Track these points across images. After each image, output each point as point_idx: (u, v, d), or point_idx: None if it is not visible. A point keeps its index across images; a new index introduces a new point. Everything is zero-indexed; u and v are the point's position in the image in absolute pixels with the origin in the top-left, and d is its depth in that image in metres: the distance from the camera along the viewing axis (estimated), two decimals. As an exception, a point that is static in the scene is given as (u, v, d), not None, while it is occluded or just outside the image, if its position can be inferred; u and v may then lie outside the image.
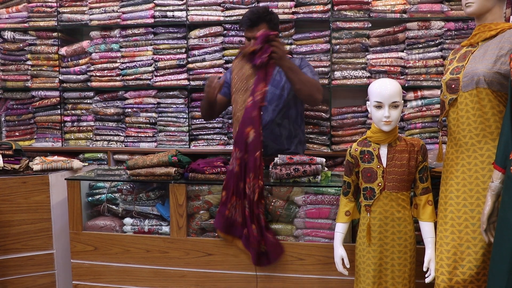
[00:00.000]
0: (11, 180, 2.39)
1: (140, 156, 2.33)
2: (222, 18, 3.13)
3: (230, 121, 3.16)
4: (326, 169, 2.22)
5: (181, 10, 3.17)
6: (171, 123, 3.28)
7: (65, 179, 2.32)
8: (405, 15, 2.98)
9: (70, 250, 2.29)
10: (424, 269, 1.72)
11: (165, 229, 2.22)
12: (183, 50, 3.21)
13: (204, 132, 3.25)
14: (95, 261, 2.26)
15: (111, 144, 3.36)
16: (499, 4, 1.65)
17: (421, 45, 3.00)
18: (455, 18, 2.95)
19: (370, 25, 3.00)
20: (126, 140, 3.34)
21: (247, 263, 2.10)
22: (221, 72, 3.12)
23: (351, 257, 1.87)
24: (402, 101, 1.76)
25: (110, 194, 2.35)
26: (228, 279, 2.13)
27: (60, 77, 3.36)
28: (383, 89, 1.71)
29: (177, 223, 2.16)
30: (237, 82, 2.34)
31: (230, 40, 3.14)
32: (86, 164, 3.14)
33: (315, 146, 3.11)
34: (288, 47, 3.06)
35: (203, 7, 3.15)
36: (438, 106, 2.98)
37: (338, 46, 3.03)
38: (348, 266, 1.85)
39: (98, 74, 3.31)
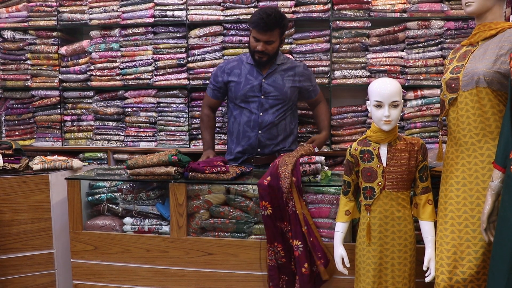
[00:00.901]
0: (11, 180, 2.39)
1: (140, 156, 2.33)
2: (222, 18, 3.12)
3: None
4: (326, 168, 2.22)
5: (181, 9, 3.17)
6: (171, 122, 3.28)
7: (65, 178, 2.32)
8: (405, 15, 2.98)
9: (70, 250, 2.29)
10: (424, 269, 1.73)
11: (165, 228, 2.22)
12: (183, 50, 3.20)
13: (204, 132, 3.25)
14: (95, 261, 2.26)
15: (111, 143, 3.35)
16: (499, 3, 1.65)
17: (421, 45, 3.00)
18: (455, 17, 2.95)
19: (370, 24, 3.00)
20: (126, 140, 3.34)
21: (247, 262, 2.10)
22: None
23: (351, 257, 1.87)
24: (402, 100, 1.76)
25: (110, 194, 2.35)
26: (228, 279, 2.13)
27: (60, 77, 3.36)
28: (383, 88, 1.71)
29: (177, 223, 2.16)
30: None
31: (230, 40, 3.13)
32: (86, 163, 3.14)
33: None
34: (288, 47, 3.06)
35: (203, 7, 3.14)
36: (438, 105, 2.97)
37: (338, 46, 3.03)
38: (348, 265, 1.85)
39: (98, 73, 3.30)
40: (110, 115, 3.34)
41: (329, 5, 3.01)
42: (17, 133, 3.46)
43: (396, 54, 3.00)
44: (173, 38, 3.22)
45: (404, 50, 3.02)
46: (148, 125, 3.31)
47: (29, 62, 3.38)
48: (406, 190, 1.77)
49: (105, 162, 3.31)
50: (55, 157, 2.72)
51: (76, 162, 2.62)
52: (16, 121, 3.46)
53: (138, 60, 3.25)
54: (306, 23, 3.11)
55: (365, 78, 3.03)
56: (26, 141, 3.44)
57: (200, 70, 3.18)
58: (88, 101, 3.39)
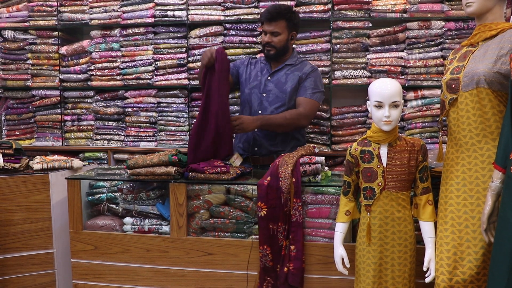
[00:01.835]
0: (11, 179, 2.39)
1: (140, 156, 2.32)
2: (222, 18, 3.12)
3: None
4: (326, 168, 2.22)
5: (181, 9, 3.17)
6: (171, 122, 3.28)
7: (65, 178, 2.32)
8: (405, 15, 2.98)
9: (70, 249, 2.29)
10: (424, 269, 1.72)
11: (165, 228, 2.22)
12: (183, 50, 3.20)
13: (204, 132, 3.25)
14: (95, 261, 2.26)
15: (111, 143, 3.36)
16: (499, 4, 1.65)
17: (421, 45, 3.00)
18: (456, 18, 2.95)
19: (371, 24, 3.00)
20: (126, 140, 3.34)
21: (247, 262, 2.10)
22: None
23: (351, 257, 1.87)
24: (402, 100, 1.76)
25: (110, 194, 2.35)
26: (228, 279, 2.13)
27: (60, 76, 3.36)
28: (384, 88, 1.71)
29: (177, 223, 2.16)
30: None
31: (230, 40, 3.14)
32: (86, 163, 3.14)
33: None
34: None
35: (203, 7, 3.15)
36: (438, 106, 2.98)
37: (338, 46, 3.03)
38: (348, 265, 1.85)
39: (98, 73, 3.31)
40: (111, 115, 3.34)
41: (329, 6, 3.01)
42: (18, 133, 3.46)
43: (397, 55, 3.01)
44: (174, 38, 3.22)
45: (405, 51, 3.03)
46: (148, 125, 3.31)
47: (29, 61, 3.38)
48: (406, 190, 1.77)
49: (105, 162, 3.31)
50: (55, 156, 2.72)
51: (76, 162, 2.62)
52: (17, 121, 3.47)
53: (139, 60, 3.25)
54: (306, 23, 3.11)
55: (366, 79, 3.03)
56: (27, 140, 3.44)
57: (200, 70, 3.19)
58: (88, 101, 3.40)
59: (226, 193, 2.20)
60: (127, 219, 2.28)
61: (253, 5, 3.09)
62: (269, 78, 2.52)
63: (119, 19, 3.25)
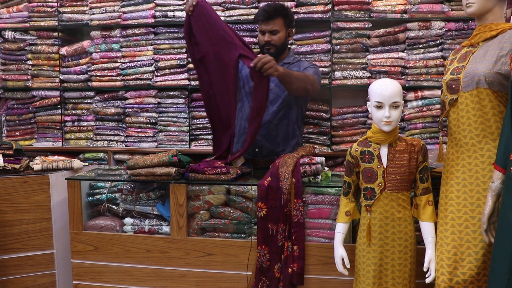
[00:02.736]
0: (12, 180, 2.39)
1: (140, 156, 2.32)
2: (222, 18, 3.12)
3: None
4: (326, 169, 2.22)
5: (181, 10, 3.17)
6: (172, 123, 3.28)
7: (65, 179, 2.32)
8: (405, 15, 2.98)
9: (71, 250, 2.29)
10: (425, 269, 1.72)
11: (166, 229, 2.22)
12: (184, 50, 3.20)
13: (205, 132, 3.25)
14: (96, 261, 2.26)
15: (111, 144, 3.36)
16: (499, 4, 1.65)
17: (421, 45, 3.00)
18: (456, 18, 2.95)
19: (371, 25, 3.00)
20: (126, 140, 3.34)
21: (247, 263, 2.09)
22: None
23: (351, 257, 1.87)
24: (403, 101, 1.76)
25: (110, 194, 2.35)
26: (228, 279, 2.13)
27: (60, 77, 3.36)
28: (384, 89, 1.71)
29: (177, 223, 2.16)
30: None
31: (230, 40, 3.13)
32: (87, 164, 3.14)
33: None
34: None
35: (203, 7, 3.14)
36: (438, 106, 2.97)
37: (338, 46, 3.03)
38: (348, 266, 1.85)
39: (98, 74, 3.31)
40: (111, 116, 3.34)
41: (329, 6, 3.01)
42: (18, 134, 3.46)
43: (397, 55, 3.00)
44: (174, 39, 3.22)
45: (405, 51, 3.02)
46: (149, 125, 3.31)
47: (29, 62, 3.39)
48: (406, 191, 1.77)
49: (106, 162, 3.31)
50: (56, 157, 2.72)
51: (76, 163, 2.62)
52: (17, 122, 3.47)
53: (139, 61, 3.25)
54: (306, 24, 3.11)
55: (366, 79, 3.03)
56: (27, 141, 3.44)
57: (200, 70, 3.18)
58: (88, 101, 3.40)
59: (227, 194, 2.20)
60: (127, 220, 2.28)
61: (253, 5, 3.09)
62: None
63: (119, 20, 3.25)
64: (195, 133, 3.26)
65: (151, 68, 3.23)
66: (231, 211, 2.16)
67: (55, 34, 3.34)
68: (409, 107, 3.03)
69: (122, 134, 3.35)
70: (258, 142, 2.48)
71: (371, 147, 1.79)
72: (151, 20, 3.20)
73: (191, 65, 3.19)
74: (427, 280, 1.71)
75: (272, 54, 2.43)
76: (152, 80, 3.24)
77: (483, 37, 1.66)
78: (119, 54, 3.27)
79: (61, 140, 3.42)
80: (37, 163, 2.51)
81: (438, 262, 1.67)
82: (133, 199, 2.28)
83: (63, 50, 3.33)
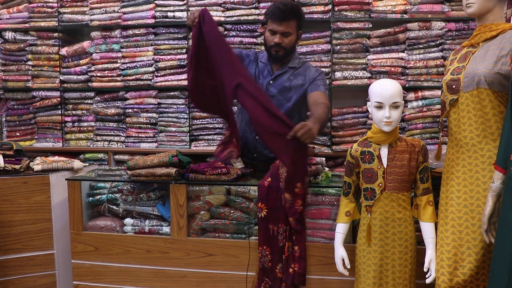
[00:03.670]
0: (12, 180, 2.39)
1: (140, 157, 2.32)
2: (223, 19, 3.13)
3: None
4: (326, 169, 2.22)
5: (181, 10, 3.18)
6: (172, 123, 3.28)
7: (65, 179, 2.32)
8: (405, 16, 2.98)
9: (71, 251, 2.29)
10: (425, 270, 1.72)
11: (166, 229, 2.22)
12: (184, 51, 3.21)
13: (205, 133, 3.25)
14: (96, 262, 2.26)
15: (111, 144, 3.36)
16: (499, 4, 1.65)
17: (421, 46, 3.00)
18: (456, 18, 2.95)
19: (371, 25, 3.00)
20: (126, 141, 3.34)
21: (247, 263, 2.09)
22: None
23: (352, 258, 1.87)
24: (403, 101, 1.76)
25: (110, 195, 2.35)
26: (228, 280, 2.13)
27: (60, 78, 3.37)
28: (384, 89, 1.71)
29: (177, 224, 2.16)
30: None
31: (231, 41, 3.13)
32: (87, 164, 3.14)
33: (315, 146, 3.11)
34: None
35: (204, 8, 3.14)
36: (438, 106, 2.97)
37: (338, 47, 3.03)
38: (348, 266, 1.85)
39: (98, 74, 3.31)
40: (111, 116, 3.34)
41: (329, 6, 3.02)
42: (18, 134, 3.47)
43: (397, 55, 3.01)
44: (174, 39, 3.22)
45: (405, 51, 3.03)
46: (149, 126, 3.31)
47: (30, 63, 3.39)
48: (406, 191, 1.77)
49: (106, 163, 3.31)
50: (56, 157, 2.72)
51: (76, 163, 2.62)
52: (17, 122, 3.47)
53: (139, 61, 3.25)
54: (306, 24, 3.08)
55: (366, 79, 3.03)
56: (27, 141, 3.45)
57: (200, 71, 3.18)
58: (88, 102, 3.40)
59: (227, 194, 2.20)
60: (128, 220, 2.28)
61: (254, 6, 3.09)
62: (271, 82, 2.34)
63: (119, 20, 3.25)
64: (195, 133, 3.26)
65: (151, 69, 3.23)
66: (231, 211, 2.16)
67: (55, 34, 3.35)
68: (409, 108, 3.03)
69: (122, 134, 3.35)
70: (257, 148, 2.40)
71: (371, 147, 1.79)
72: (151, 21, 3.21)
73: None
74: (428, 281, 1.71)
75: (281, 56, 2.28)
76: (152, 80, 3.24)
77: (483, 37, 1.66)
78: (119, 54, 3.27)
79: (61, 141, 3.43)
80: (38, 164, 2.51)
81: (438, 263, 1.67)
82: (133, 199, 2.28)
83: (63, 51, 3.33)
